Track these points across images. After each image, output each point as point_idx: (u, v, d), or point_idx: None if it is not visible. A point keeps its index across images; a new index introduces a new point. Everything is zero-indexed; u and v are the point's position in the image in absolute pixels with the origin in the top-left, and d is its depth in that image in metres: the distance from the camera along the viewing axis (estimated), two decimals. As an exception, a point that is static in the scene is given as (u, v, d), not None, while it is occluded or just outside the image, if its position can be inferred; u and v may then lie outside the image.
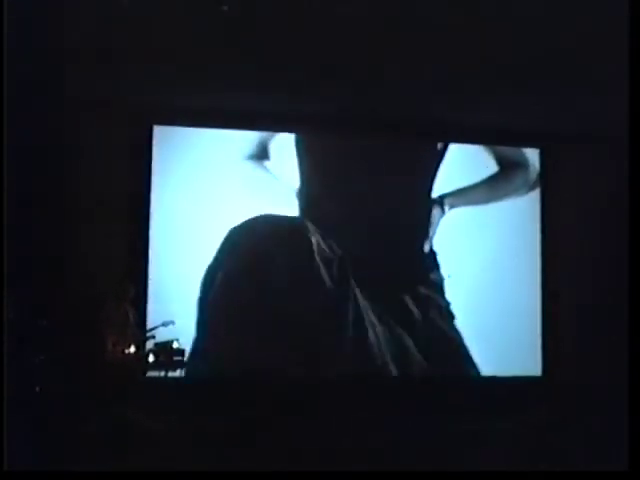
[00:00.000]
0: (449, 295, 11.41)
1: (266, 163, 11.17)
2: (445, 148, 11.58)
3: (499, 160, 11.72)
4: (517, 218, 11.73)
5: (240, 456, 7.28)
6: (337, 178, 11.30)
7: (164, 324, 9.69)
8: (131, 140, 10.80)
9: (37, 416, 8.02)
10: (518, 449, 7.60)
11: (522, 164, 11.81)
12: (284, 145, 11.24)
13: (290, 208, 11.14)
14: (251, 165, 11.13)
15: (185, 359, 9.59)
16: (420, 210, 11.49)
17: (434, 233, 11.44)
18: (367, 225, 11.27)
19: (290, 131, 11.26)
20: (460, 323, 11.35)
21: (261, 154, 11.16)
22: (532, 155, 11.85)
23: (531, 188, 11.80)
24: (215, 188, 10.96)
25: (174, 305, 10.44)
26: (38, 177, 10.04)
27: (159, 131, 11.02)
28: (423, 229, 11.43)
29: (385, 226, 11.31)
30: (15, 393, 8.28)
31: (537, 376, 11.48)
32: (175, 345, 9.54)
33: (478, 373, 11.31)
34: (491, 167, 11.72)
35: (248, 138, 11.19)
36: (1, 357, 6.36)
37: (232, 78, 9.72)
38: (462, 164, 11.62)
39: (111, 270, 10.23)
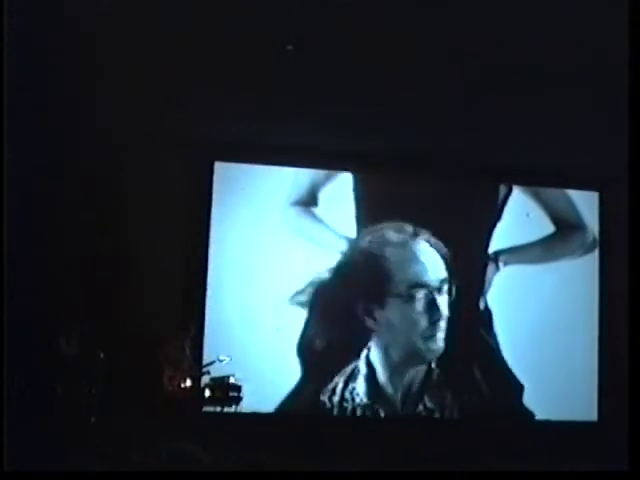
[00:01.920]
0: (504, 350, 11.39)
1: (316, 210, 11.21)
2: (503, 206, 11.57)
3: (555, 221, 11.69)
4: (574, 278, 11.69)
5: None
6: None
7: (220, 359, 9.73)
8: (192, 176, 10.89)
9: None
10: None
11: (579, 226, 11.77)
12: (337, 192, 11.26)
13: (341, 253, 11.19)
14: (298, 211, 11.17)
15: (241, 394, 9.60)
16: (476, 265, 11.47)
17: (489, 289, 11.42)
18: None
19: (350, 170, 11.28)
20: (516, 372, 11.36)
21: (309, 201, 11.20)
22: (590, 215, 11.78)
23: (588, 250, 11.75)
24: (275, 225, 11.05)
25: (232, 340, 10.53)
26: (94, 213, 10.17)
27: (220, 167, 11.09)
28: (478, 285, 11.42)
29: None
30: (71, 423, 8.44)
31: (593, 421, 11.39)
32: (232, 380, 9.57)
33: (532, 418, 11.28)
34: (547, 228, 11.69)
35: (304, 180, 11.24)
36: (1, 365, 6.42)
37: (295, 115, 9.79)
38: (518, 223, 11.60)
39: (170, 305, 10.31)
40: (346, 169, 11.27)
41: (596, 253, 11.74)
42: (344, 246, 11.15)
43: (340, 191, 11.26)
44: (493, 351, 11.32)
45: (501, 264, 11.43)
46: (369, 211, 11.26)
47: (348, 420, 10.86)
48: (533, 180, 11.67)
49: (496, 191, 11.62)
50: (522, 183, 11.64)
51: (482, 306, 11.38)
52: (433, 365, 11.08)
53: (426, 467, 8.35)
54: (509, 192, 11.63)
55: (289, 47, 8.42)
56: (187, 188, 10.87)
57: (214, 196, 10.99)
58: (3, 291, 6.19)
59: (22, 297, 6.58)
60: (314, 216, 11.17)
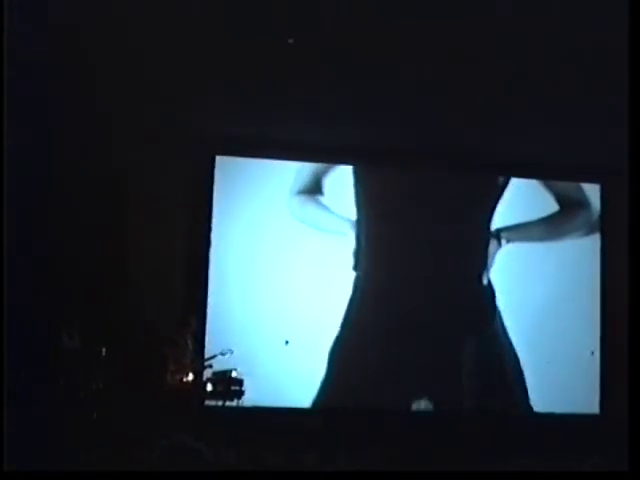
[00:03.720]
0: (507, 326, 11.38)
1: (320, 198, 11.22)
2: (506, 183, 11.57)
3: (559, 199, 11.67)
4: (577, 256, 11.67)
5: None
6: (395, 209, 11.34)
7: (222, 353, 9.74)
8: (193, 170, 10.88)
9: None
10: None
11: (583, 204, 11.75)
12: (339, 180, 11.27)
13: (346, 239, 11.19)
14: (304, 199, 11.19)
15: (243, 388, 9.61)
16: (478, 242, 11.49)
17: (492, 265, 11.42)
18: (426, 256, 11.28)
19: (350, 163, 11.30)
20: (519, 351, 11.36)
21: (315, 189, 11.22)
22: (593, 195, 11.77)
23: (592, 229, 11.74)
24: (276, 219, 11.06)
25: (233, 334, 10.54)
26: (95, 208, 10.18)
27: (221, 162, 11.10)
28: (481, 261, 11.42)
29: (444, 256, 11.31)
30: (73, 418, 8.45)
31: (595, 414, 11.40)
32: (234, 374, 9.58)
33: (533, 409, 11.29)
34: (551, 206, 11.68)
35: (307, 170, 11.25)
36: (1, 364, 6.43)
37: (294, 110, 9.79)
38: (522, 200, 11.61)
39: (171, 300, 10.32)
40: (347, 162, 11.30)
41: (598, 237, 11.74)
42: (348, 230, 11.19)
43: (343, 178, 11.29)
44: (496, 328, 11.33)
45: (503, 241, 11.43)
46: (370, 201, 11.31)
47: (351, 414, 10.83)
48: (534, 173, 11.65)
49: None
50: (522, 176, 11.63)
51: (485, 282, 11.38)
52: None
53: (426, 460, 8.36)
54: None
55: (290, 40, 8.45)
56: (189, 182, 10.87)
57: (215, 190, 11.00)
58: (4, 288, 6.20)
59: (23, 294, 6.58)
60: (319, 203, 11.19)
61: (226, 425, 8.94)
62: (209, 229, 10.91)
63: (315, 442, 9.31)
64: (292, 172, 11.21)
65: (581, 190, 11.76)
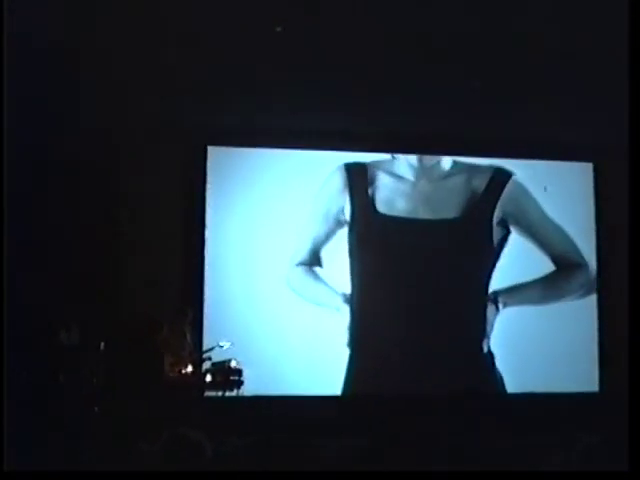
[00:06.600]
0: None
1: (317, 269, 11.16)
2: (502, 246, 11.41)
3: (555, 260, 11.53)
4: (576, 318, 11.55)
5: (296, 473, 7.30)
6: (389, 279, 11.19)
7: (220, 345, 9.76)
8: (185, 161, 10.88)
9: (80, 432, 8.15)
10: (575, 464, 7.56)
11: (580, 265, 11.60)
12: (336, 249, 11.18)
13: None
14: (303, 271, 11.12)
15: (242, 378, 9.63)
16: (476, 307, 11.33)
17: (491, 332, 11.26)
18: (423, 325, 11.16)
19: (341, 150, 11.30)
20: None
21: (313, 261, 11.15)
22: (590, 256, 11.63)
23: (589, 291, 11.61)
24: (270, 208, 11.05)
25: (232, 325, 10.58)
26: (89, 201, 10.17)
27: (213, 152, 11.09)
28: (481, 327, 11.25)
29: (442, 323, 11.16)
30: (74, 414, 8.46)
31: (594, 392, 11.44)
32: (232, 364, 9.59)
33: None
34: (548, 266, 11.53)
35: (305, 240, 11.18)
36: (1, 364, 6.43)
37: (286, 99, 9.80)
38: (518, 262, 11.44)
39: (168, 292, 10.32)
40: (339, 149, 11.30)
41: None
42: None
43: (340, 247, 11.21)
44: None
45: (500, 305, 11.28)
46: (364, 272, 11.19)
47: (353, 402, 10.83)
48: (526, 152, 11.62)
49: (491, 233, 11.40)
50: (515, 156, 11.60)
51: (485, 350, 11.23)
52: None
53: (425, 443, 8.39)
54: (507, 234, 11.44)
55: (278, 29, 8.45)
56: (182, 172, 10.87)
57: (209, 181, 10.99)
58: (2, 283, 6.19)
59: (20, 289, 6.57)
60: (316, 276, 11.14)
61: (227, 415, 8.96)
62: (204, 219, 10.91)
63: (316, 430, 9.35)
64: (288, 160, 11.22)
65: (577, 251, 11.60)
